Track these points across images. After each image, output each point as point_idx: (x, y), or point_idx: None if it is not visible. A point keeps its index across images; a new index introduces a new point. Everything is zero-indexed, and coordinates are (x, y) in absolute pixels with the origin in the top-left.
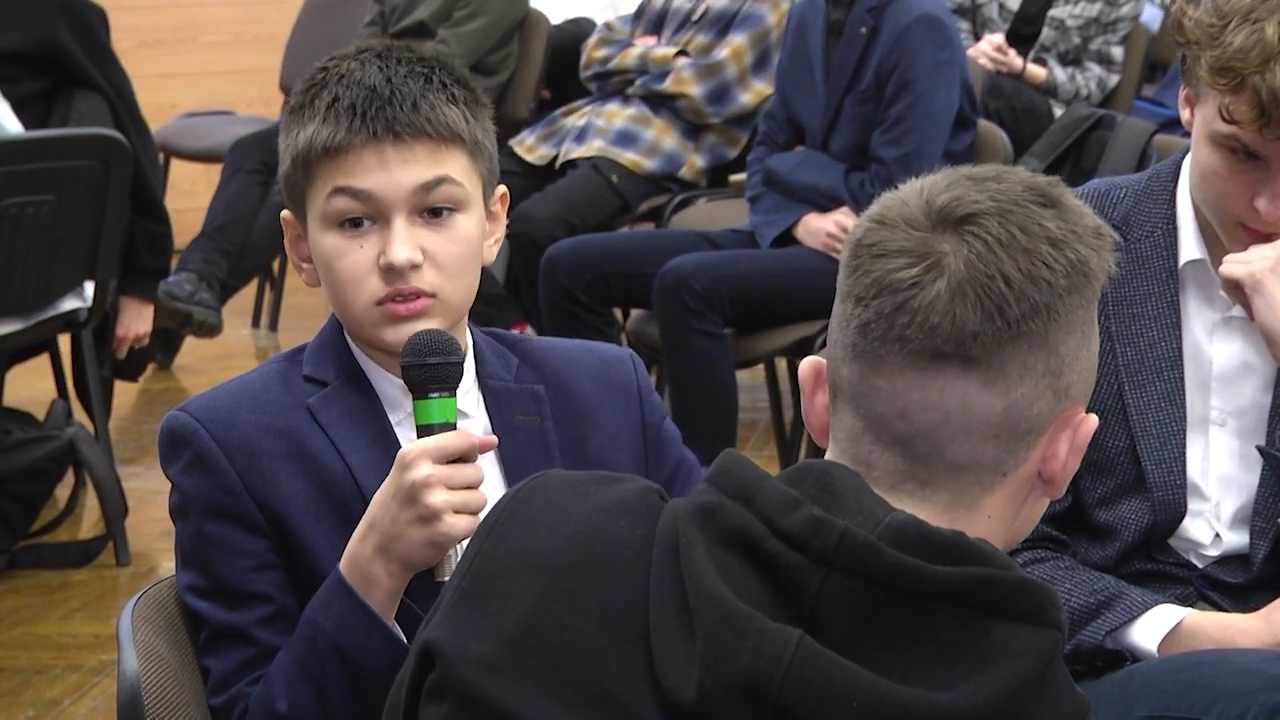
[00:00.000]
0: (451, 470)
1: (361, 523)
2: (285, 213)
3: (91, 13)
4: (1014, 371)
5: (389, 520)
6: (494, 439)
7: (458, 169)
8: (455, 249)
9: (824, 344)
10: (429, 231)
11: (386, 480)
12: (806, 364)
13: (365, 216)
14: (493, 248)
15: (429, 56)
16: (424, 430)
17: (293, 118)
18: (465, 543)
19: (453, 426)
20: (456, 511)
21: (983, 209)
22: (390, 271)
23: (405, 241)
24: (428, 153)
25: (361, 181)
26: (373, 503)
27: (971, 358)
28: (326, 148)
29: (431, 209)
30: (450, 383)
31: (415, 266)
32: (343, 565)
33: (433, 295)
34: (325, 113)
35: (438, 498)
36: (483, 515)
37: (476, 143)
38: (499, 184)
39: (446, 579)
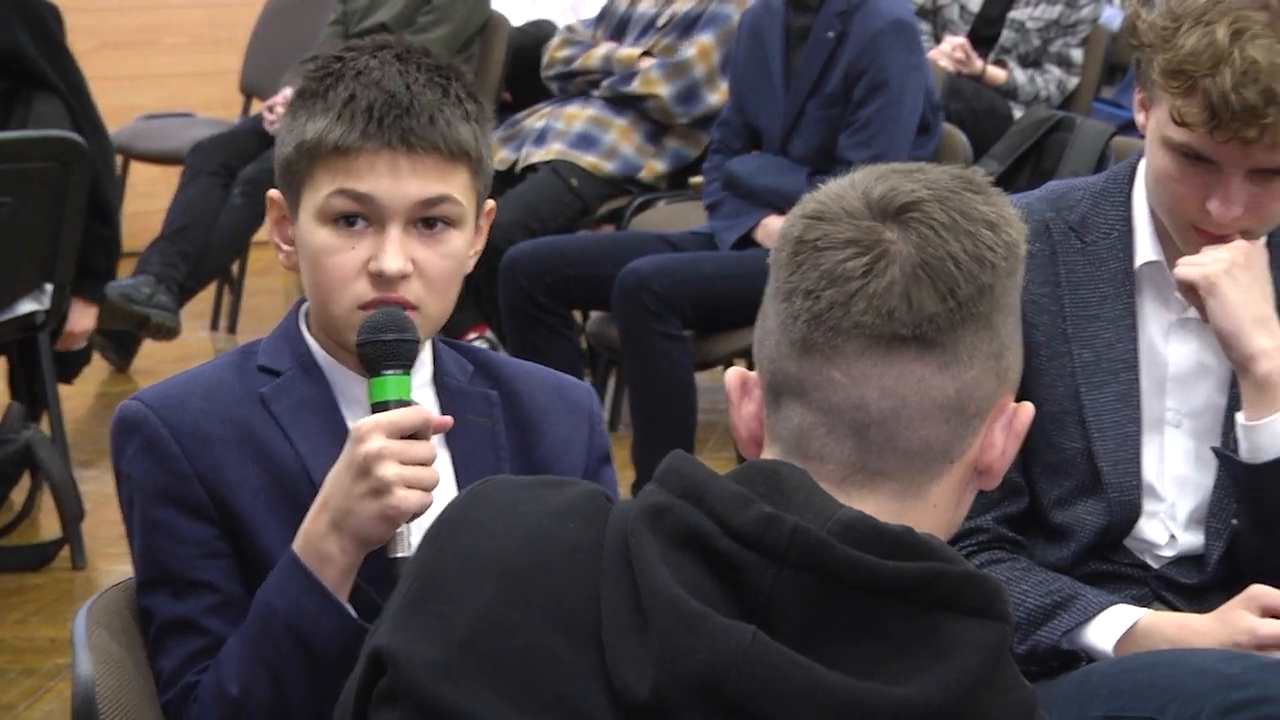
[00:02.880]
0: (404, 445)
1: (316, 500)
2: (273, 192)
3: (46, 11)
4: (964, 353)
5: (341, 494)
6: (449, 420)
7: (460, 186)
8: (445, 264)
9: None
10: (421, 244)
11: (341, 456)
12: (732, 374)
13: (361, 217)
14: (472, 259)
15: (444, 65)
16: (378, 407)
17: (302, 104)
18: (417, 521)
19: (407, 404)
20: (408, 486)
21: (921, 196)
22: (379, 279)
23: (398, 252)
24: (436, 167)
25: (367, 185)
26: (326, 480)
27: (928, 340)
28: (338, 145)
29: (427, 220)
30: (405, 360)
31: (404, 277)
32: (296, 544)
33: (416, 308)
34: (341, 109)
35: (389, 470)
36: (435, 494)
37: (481, 161)
38: (488, 198)
39: (399, 555)
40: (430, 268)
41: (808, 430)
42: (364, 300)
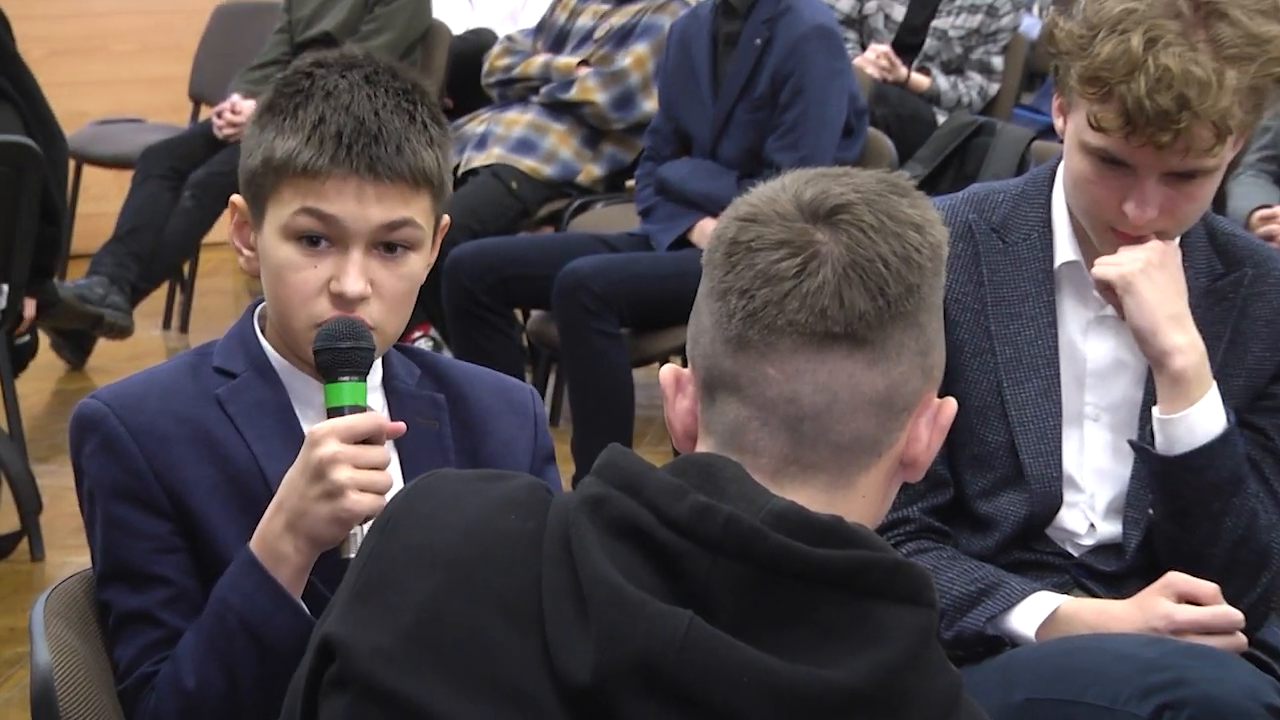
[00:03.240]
0: (358, 450)
1: (272, 502)
2: (236, 197)
3: None
4: (893, 350)
5: (296, 496)
6: (402, 425)
7: (421, 211)
8: (402, 285)
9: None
10: (381, 265)
11: (297, 459)
12: (666, 371)
13: (324, 237)
14: (425, 271)
15: (410, 87)
16: (334, 412)
17: (270, 119)
18: (369, 524)
19: (362, 409)
20: (361, 489)
21: (850, 199)
22: (340, 299)
23: (359, 275)
24: (400, 194)
25: (333, 208)
26: (283, 482)
27: (859, 338)
28: (306, 168)
29: (388, 244)
30: (361, 367)
31: (364, 298)
32: (253, 543)
33: (373, 327)
34: (310, 131)
35: (343, 474)
36: (387, 496)
37: (442, 185)
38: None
39: (351, 556)
40: (388, 289)
41: (743, 424)
42: (323, 318)
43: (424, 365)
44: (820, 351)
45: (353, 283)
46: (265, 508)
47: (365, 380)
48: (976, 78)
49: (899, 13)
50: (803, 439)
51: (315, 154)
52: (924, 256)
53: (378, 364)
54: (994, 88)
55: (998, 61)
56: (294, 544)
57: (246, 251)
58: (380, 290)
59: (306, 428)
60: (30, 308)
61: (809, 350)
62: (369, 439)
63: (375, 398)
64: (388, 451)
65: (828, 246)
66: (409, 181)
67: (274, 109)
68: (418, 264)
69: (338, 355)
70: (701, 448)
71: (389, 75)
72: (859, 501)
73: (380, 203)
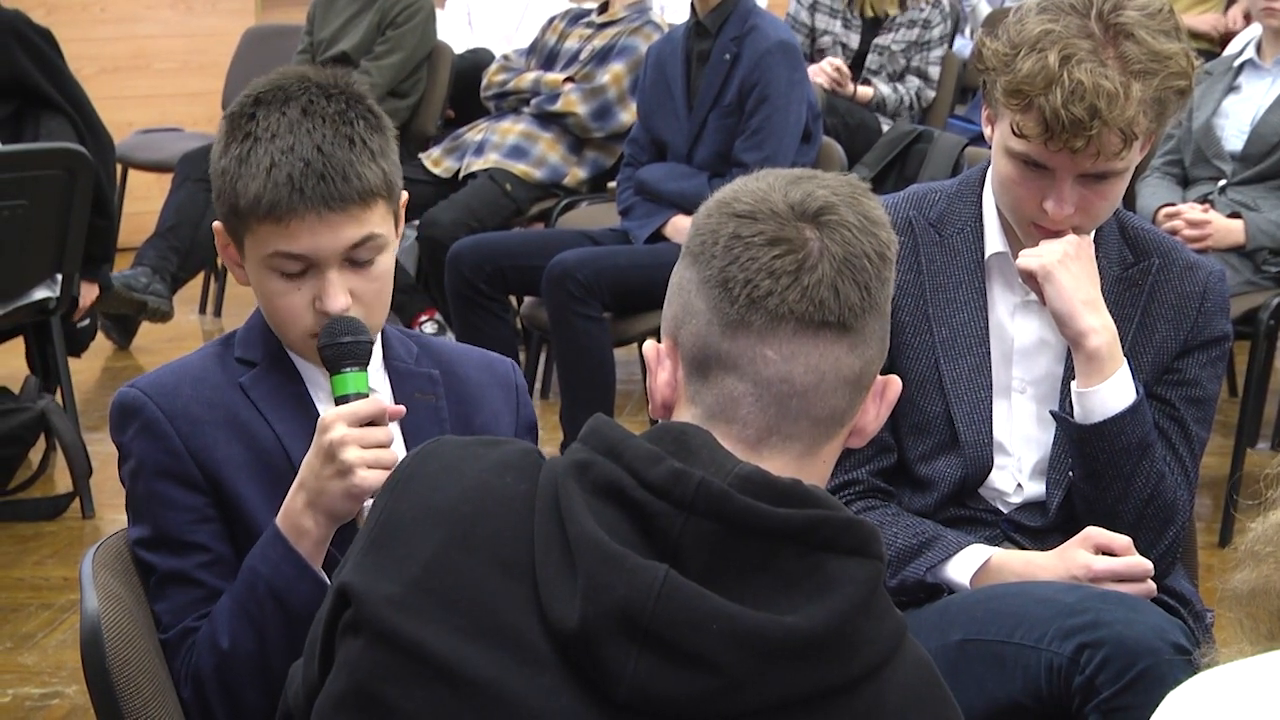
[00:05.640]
0: (364, 431)
1: (294, 482)
2: (218, 224)
3: (36, 34)
4: (869, 336)
5: (313, 477)
6: (402, 408)
7: (378, 219)
8: (377, 285)
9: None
10: (356, 276)
11: (311, 444)
12: (649, 347)
13: (302, 266)
14: (397, 242)
15: (346, 105)
16: (340, 400)
17: (228, 161)
18: None
19: (365, 396)
20: (369, 466)
21: (832, 201)
22: (325, 315)
23: (339, 292)
24: (354, 215)
25: (301, 247)
26: (302, 465)
27: (847, 325)
28: (270, 212)
29: (357, 258)
30: (361, 358)
31: (346, 309)
32: (278, 518)
33: None
34: (265, 178)
35: (351, 454)
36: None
37: (391, 186)
38: (401, 191)
39: None
40: (366, 293)
41: (738, 398)
42: (314, 330)
43: (420, 345)
44: (815, 337)
45: (334, 300)
46: (289, 482)
47: (365, 370)
48: (915, 81)
49: (854, 41)
50: (788, 413)
51: (273, 199)
52: (890, 252)
53: (378, 346)
54: (930, 92)
55: (934, 70)
56: (314, 519)
57: (237, 267)
58: (360, 296)
59: (321, 408)
60: (92, 292)
61: (805, 335)
62: (373, 421)
63: (379, 375)
64: (390, 431)
65: (822, 244)
66: (360, 203)
67: (228, 151)
68: (387, 261)
69: (340, 349)
70: (684, 416)
71: (324, 99)
72: (820, 466)
73: (339, 230)
